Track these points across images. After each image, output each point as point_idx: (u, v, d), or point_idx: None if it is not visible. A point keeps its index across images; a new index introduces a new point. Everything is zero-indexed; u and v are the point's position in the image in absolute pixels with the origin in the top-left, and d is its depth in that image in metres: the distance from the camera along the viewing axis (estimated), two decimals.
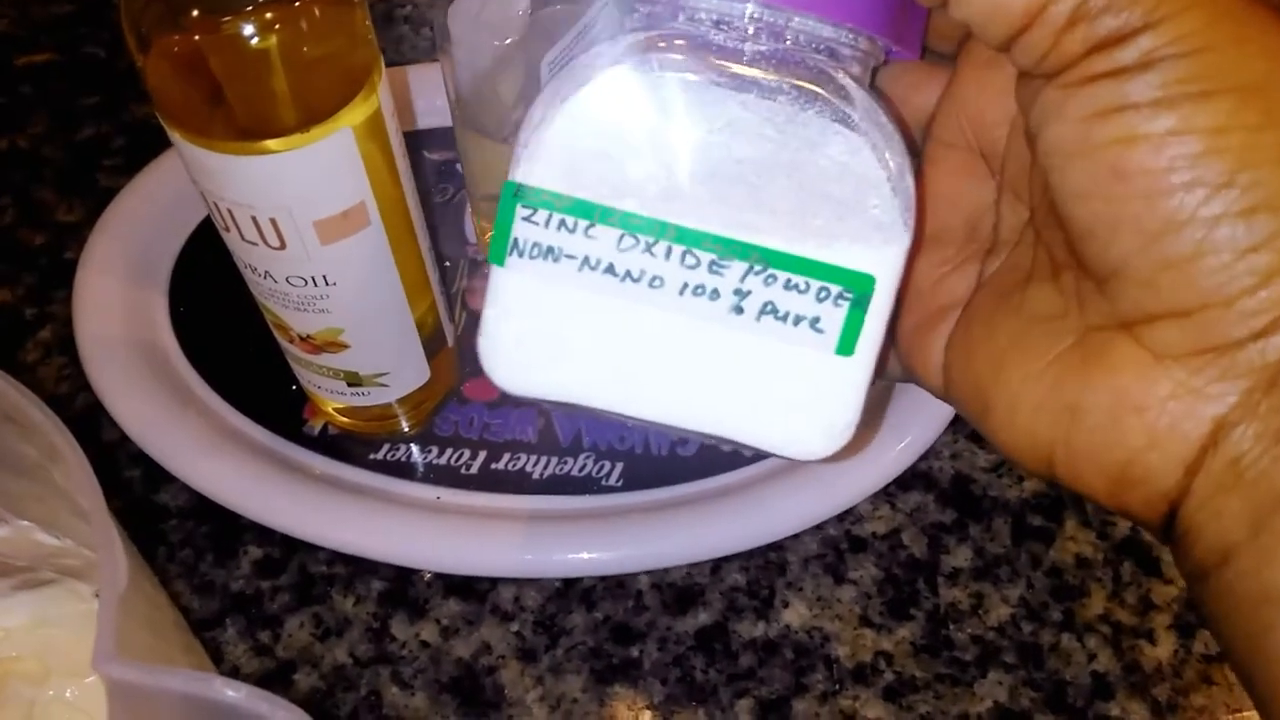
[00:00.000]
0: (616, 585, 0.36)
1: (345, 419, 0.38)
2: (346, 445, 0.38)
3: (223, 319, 0.40)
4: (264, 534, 0.37)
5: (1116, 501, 0.20)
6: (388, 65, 0.28)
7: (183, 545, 0.37)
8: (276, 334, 0.34)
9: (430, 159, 0.46)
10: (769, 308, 0.19)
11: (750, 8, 0.18)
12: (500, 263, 0.19)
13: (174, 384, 0.39)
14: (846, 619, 0.36)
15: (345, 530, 0.36)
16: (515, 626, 0.35)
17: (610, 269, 0.19)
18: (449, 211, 0.45)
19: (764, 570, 0.36)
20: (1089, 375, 0.19)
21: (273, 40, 0.24)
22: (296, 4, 0.24)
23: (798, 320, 0.19)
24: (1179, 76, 0.16)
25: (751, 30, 0.19)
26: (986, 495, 0.38)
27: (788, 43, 0.19)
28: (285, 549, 0.37)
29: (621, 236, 0.19)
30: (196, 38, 0.24)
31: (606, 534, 0.35)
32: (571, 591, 0.36)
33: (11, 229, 0.46)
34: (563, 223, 0.19)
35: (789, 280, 0.19)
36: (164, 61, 0.25)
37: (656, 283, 0.19)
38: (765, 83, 0.19)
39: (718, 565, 0.37)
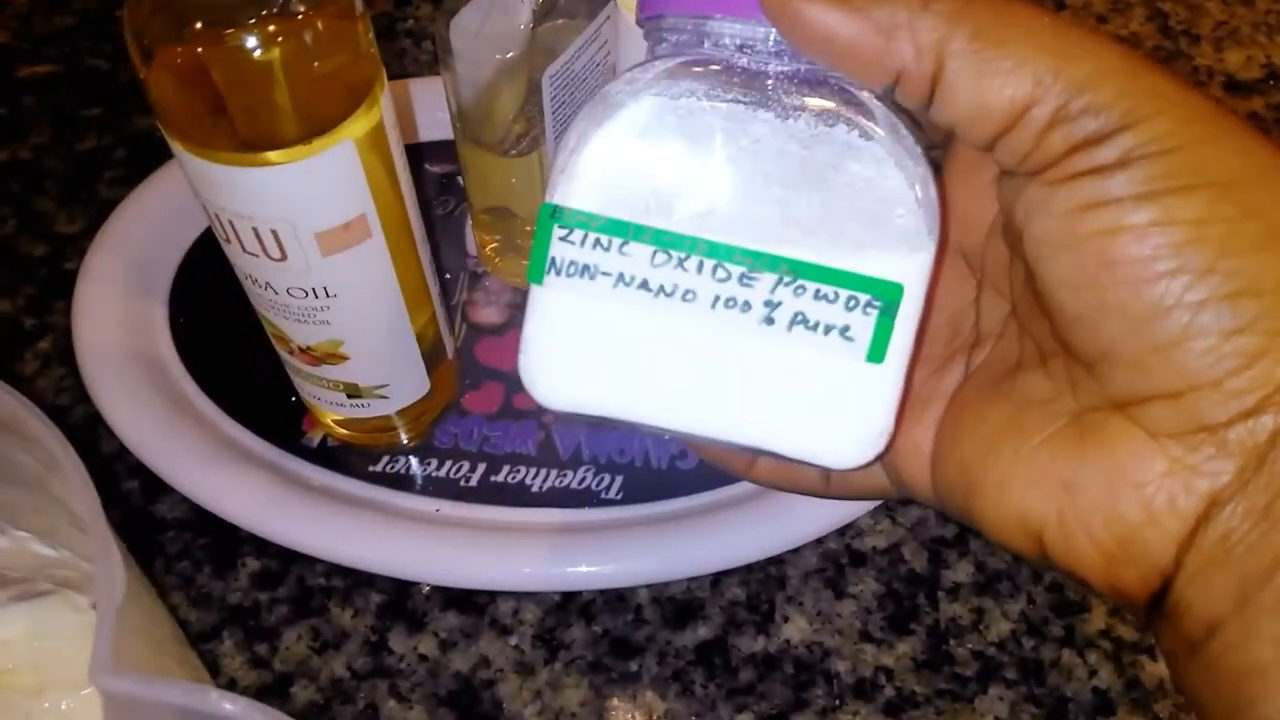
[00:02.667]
0: (616, 599, 0.36)
1: (344, 431, 0.38)
2: (345, 457, 0.38)
3: (222, 330, 0.40)
4: (262, 546, 0.37)
5: (1108, 578, 0.20)
6: (390, 78, 0.28)
7: (180, 557, 0.37)
8: (276, 345, 0.34)
9: (431, 171, 0.46)
10: (799, 318, 0.20)
11: (773, 32, 0.19)
12: (539, 281, 0.20)
13: (173, 395, 0.39)
14: (847, 634, 0.35)
15: (343, 543, 0.35)
16: (514, 640, 0.35)
17: (644, 284, 0.20)
18: (450, 224, 0.45)
19: (764, 584, 0.36)
20: (1085, 452, 0.20)
21: (275, 53, 0.24)
22: (299, 17, 0.24)
23: (828, 329, 0.20)
24: (1158, 173, 0.17)
25: (774, 53, 0.20)
26: None
27: (809, 64, 0.20)
28: (283, 561, 0.37)
29: (654, 253, 0.20)
30: (199, 50, 0.24)
31: (606, 547, 0.35)
32: (571, 605, 0.36)
33: (12, 239, 0.46)
34: (597, 241, 0.20)
35: (818, 290, 0.20)
36: (167, 73, 0.25)
37: (689, 296, 0.20)
38: (789, 102, 0.19)
39: (717, 579, 0.36)
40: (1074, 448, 0.20)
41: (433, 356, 0.35)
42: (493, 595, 0.36)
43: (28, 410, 0.26)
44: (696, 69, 0.20)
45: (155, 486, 0.38)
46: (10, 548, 0.32)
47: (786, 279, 0.20)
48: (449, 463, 0.38)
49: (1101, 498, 0.19)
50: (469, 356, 0.41)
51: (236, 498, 0.36)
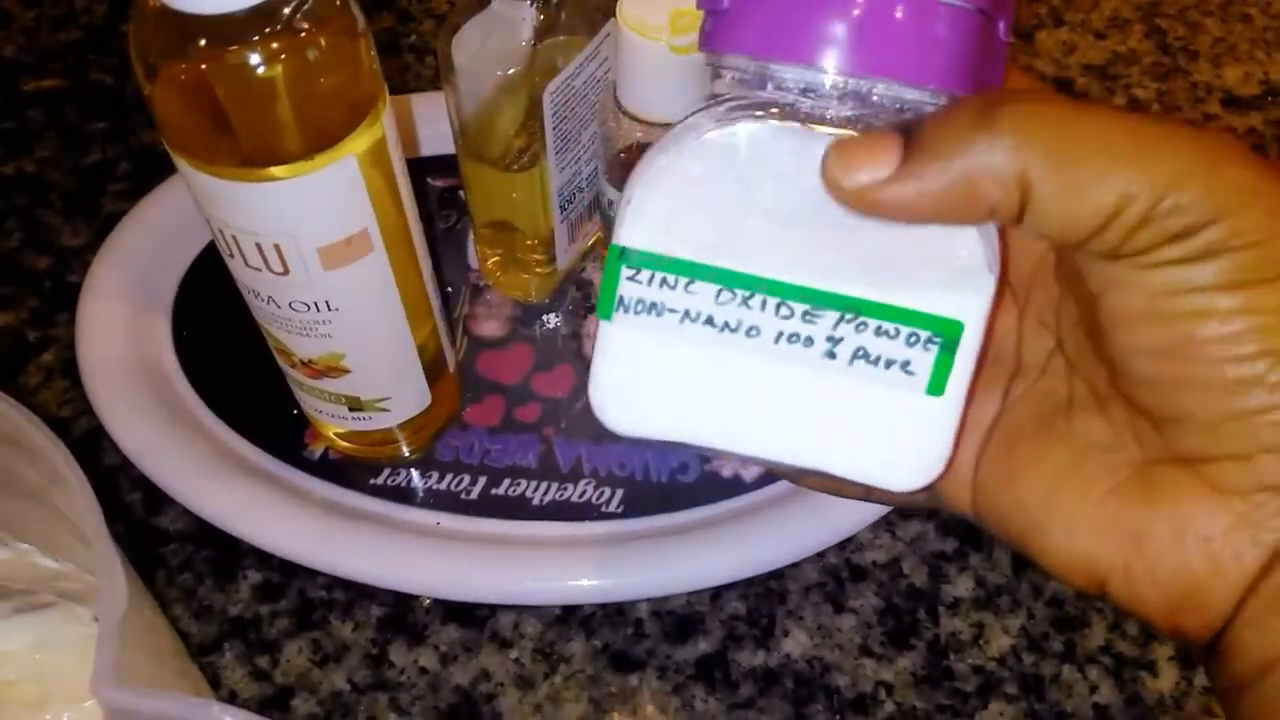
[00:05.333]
0: (616, 613, 0.36)
1: (346, 443, 0.38)
2: (347, 470, 0.38)
3: (225, 343, 0.40)
4: (263, 558, 0.37)
5: (1171, 622, 0.21)
6: (393, 93, 0.28)
7: (182, 569, 0.37)
8: (278, 358, 0.34)
9: (433, 186, 0.46)
10: (861, 353, 0.20)
11: (833, 76, 0.19)
12: (608, 318, 0.21)
13: (175, 408, 0.39)
14: (847, 648, 0.35)
15: (344, 556, 0.36)
16: (514, 654, 0.35)
17: (710, 320, 0.21)
18: (451, 238, 0.45)
19: (764, 599, 0.36)
20: (1153, 504, 0.21)
21: (278, 70, 0.24)
22: (302, 34, 0.24)
23: (889, 364, 0.20)
24: (1245, 264, 0.18)
25: (838, 97, 0.20)
26: None
27: (872, 106, 0.20)
28: (284, 574, 0.37)
29: (719, 291, 0.20)
30: (203, 67, 0.24)
31: (606, 560, 0.35)
32: (571, 619, 0.36)
33: (16, 252, 0.47)
34: (664, 280, 0.21)
35: (880, 327, 0.20)
36: (171, 90, 0.25)
37: (753, 332, 0.21)
38: (830, 136, 0.20)
39: (718, 593, 0.36)
40: (1142, 500, 0.21)
41: (434, 370, 0.36)
42: (493, 609, 0.36)
43: (32, 424, 0.26)
44: (759, 111, 0.20)
45: (157, 498, 0.38)
46: (13, 559, 0.32)
47: (848, 316, 0.20)
48: (450, 476, 0.38)
49: (1168, 550, 0.20)
50: (470, 370, 0.41)
51: (237, 510, 0.36)
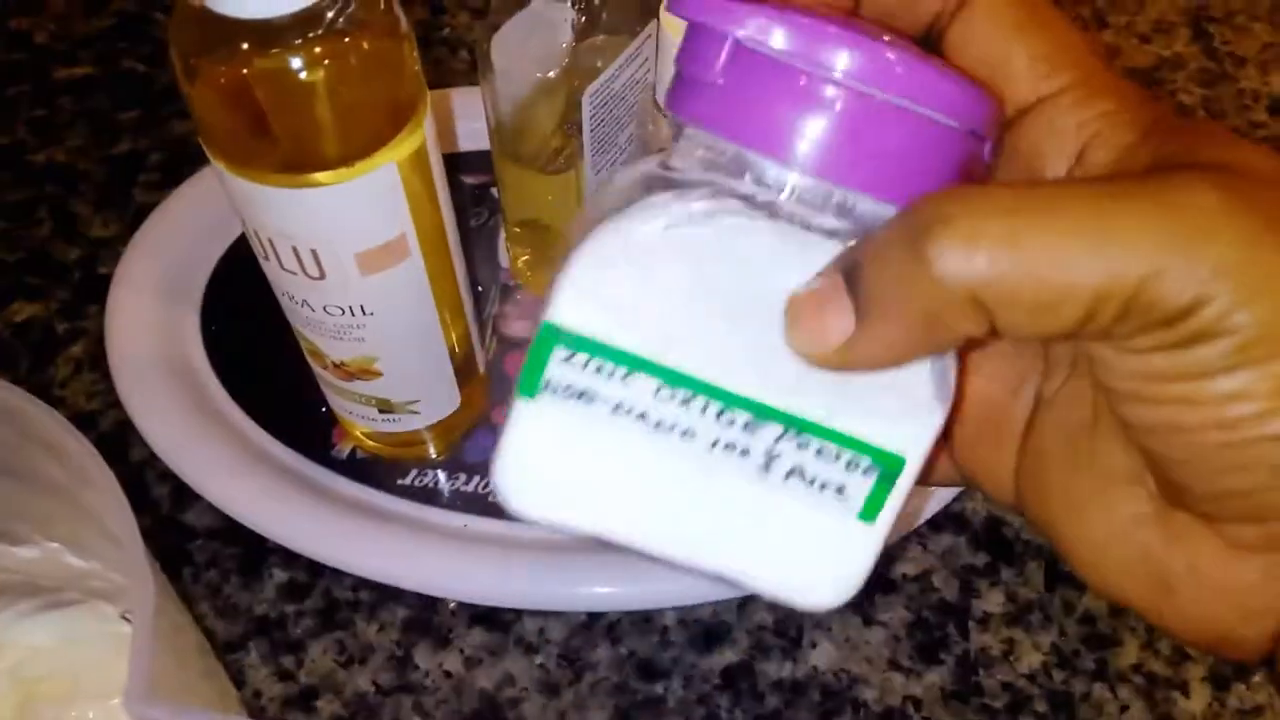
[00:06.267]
0: (642, 620, 0.36)
1: (374, 443, 0.38)
2: (374, 469, 0.38)
3: (255, 339, 0.40)
4: (290, 557, 0.37)
5: (1217, 654, 0.21)
6: (426, 86, 0.28)
7: (208, 566, 0.37)
8: (309, 359, 0.33)
9: (466, 182, 0.46)
10: (797, 470, 0.19)
11: (824, 184, 0.18)
12: (530, 395, 0.19)
13: (203, 403, 0.39)
14: (875, 662, 0.35)
15: (368, 556, 0.35)
16: (539, 659, 0.35)
17: (643, 416, 0.19)
18: (483, 236, 0.44)
19: (792, 609, 0.36)
20: (1173, 553, 0.20)
21: (321, 74, 0.24)
22: (347, 40, 0.24)
23: (824, 486, 0.20)
24: (1234, 348, 0.17)
25: (820, 206, 0.19)
26: (1019, 539, 0.38)
27: (856, 220, 0.19)
28: (310, 573, 0.37)
29: (659, 388, 0.19)
30: (245, 71, 0.24)
31: (633, 567, 0.35)
32: (597, 625, 0.36)
33: (47, 242, 0.47)
34: (600, 368, 0.19)
35: (820, 448, 0.19)
36: (211, 91, 0.25)
37: (688, 435, 0.19)
38: (820, 258, 0.19)
39: (745, 602, 0.36)
40: (1163, 545, 0.20)
41: (464, 371, 0.35)
42: (518, 613, 0.36)
43: (61, 427, 0.26)
44: (733, 202, 0.18)
45: (184, 494, 0.38)
46: (41, 558, 0.32)
47: (790, 433, 0.19)
48: (477, 478, 0.38)
49: (1194, 600, 0.20)
50: (499, 370, 0.41)
51: (263, 508, 0.36)
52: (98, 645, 0.33)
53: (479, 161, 0.45)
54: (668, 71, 0.33)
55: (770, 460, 0.19)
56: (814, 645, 0.35)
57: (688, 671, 0.35)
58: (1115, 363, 0.18)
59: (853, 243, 0.18)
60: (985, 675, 0.35)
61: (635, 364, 0.19)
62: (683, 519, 0.20)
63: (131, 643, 0.21)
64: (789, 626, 0.36)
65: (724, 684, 0.35)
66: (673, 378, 0.19)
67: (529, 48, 0.32)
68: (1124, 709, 0.34)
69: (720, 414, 0.19)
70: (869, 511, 0.20)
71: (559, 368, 0.19)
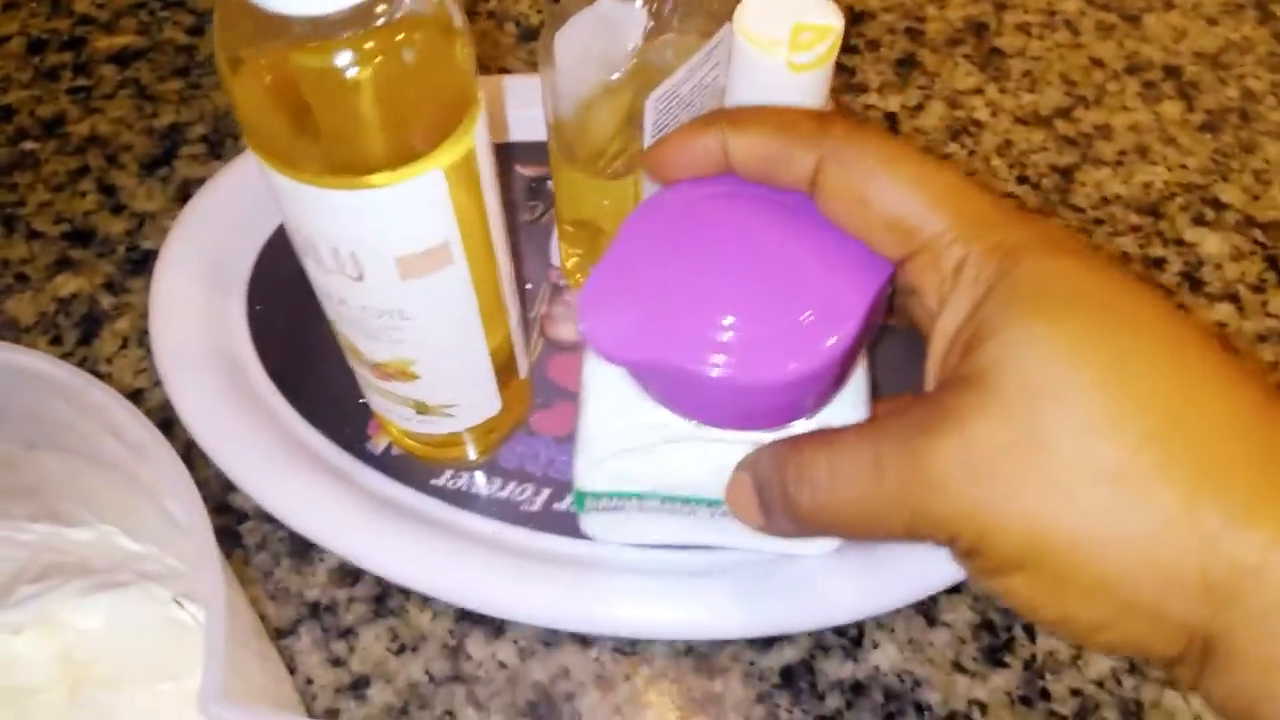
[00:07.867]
0: None
1: (410, 441, 0.36)
2: (408, 467, 0.37)
3: (295, 324, 0.39)
4: None
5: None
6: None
7: (259, 549, 0.37)
8: (347, 355, 0.32)
9: (521, 174, 0.44)
10: None
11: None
12: (581, 510, 0.33)
13: (244, 389, 0.37)
14: (939, 663, 0.34)
15: (394, 558, 0.34)
16: (594, 653, 0.34)
17: (657, 509, 0.32)
18: (535, 232, 0.43)
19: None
20: None
21: (369, 72, 0.22)
22: (399, 37, 0.22)
23: None
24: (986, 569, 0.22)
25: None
26: None
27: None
28: None
29: (663, 501, 0.31)
30: (290, 69, 0.22)
31: (675, 593, 0.33)
32: None
33: (91, 214, 0.46)
34: (621, 502, 0.32)
35: None
36: (254, 86, 0.23)
37: (689, 514, 0.32)
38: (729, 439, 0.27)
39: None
40: None
41: (505, 375, 0.34)
42: None
43: (127, 410, 0.25)
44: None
45: None
46: (94, 540, 0.31)
47: None
48: (513, 484, 0.36)
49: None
50: (542, 373, 0.39)
51: (295, 505, 0.35)
52: (149, 629, 0.32)
53: (536, 153, 0.43)
54: (739, 83, 0.31)
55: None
56: (875, 645, 0.35)
57: (746, 669, 0.34)
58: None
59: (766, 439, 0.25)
60: (1053, 680, 0.34)
61: (641, 497, 0.31)
62: (696, 532, 0.33)
63: (204, 642, 0.20)
64: (850, 626, 0.35)
65: (783, 683, 0.34)
66: (670, 497, 0.31)
67: (594, 48, 0.31)
68: (1196, 717, 0.33)
69: (708, 508, 0.31)
70: None
71: (593, 502, 0.32)
